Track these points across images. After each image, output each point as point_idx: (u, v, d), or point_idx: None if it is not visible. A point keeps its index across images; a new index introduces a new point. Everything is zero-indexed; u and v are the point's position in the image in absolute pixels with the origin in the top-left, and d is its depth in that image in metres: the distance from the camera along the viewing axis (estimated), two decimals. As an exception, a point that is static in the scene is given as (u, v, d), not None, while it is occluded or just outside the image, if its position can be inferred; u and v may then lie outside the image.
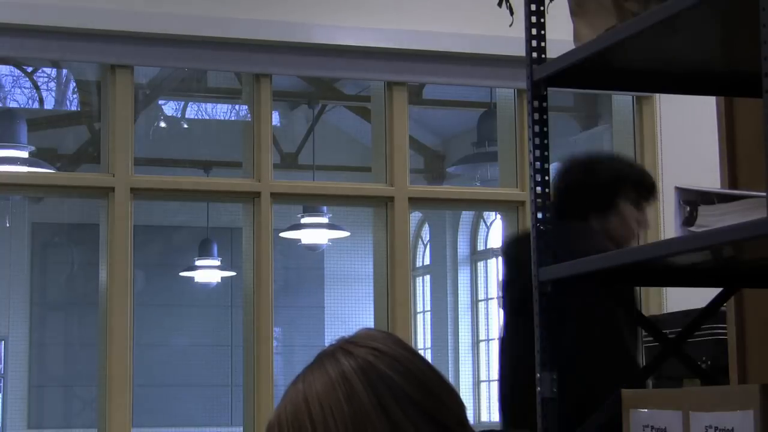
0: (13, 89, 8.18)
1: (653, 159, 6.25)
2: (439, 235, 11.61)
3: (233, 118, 9.88)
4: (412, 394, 1.50)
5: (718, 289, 3.04)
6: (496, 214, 9.70)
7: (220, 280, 10.49)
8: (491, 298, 11.15)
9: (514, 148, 6.22)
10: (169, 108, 9.43)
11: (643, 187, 3.54)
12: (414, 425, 1.48)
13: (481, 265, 11.41)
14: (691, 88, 3.24)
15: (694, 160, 5.78)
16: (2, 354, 10.26)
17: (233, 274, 10.18)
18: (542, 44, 2.97)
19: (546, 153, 2.95)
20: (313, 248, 10.31)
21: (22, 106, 8.33)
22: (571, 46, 2.88)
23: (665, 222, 6.13)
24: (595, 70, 2.86)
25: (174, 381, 10.75)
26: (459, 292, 11.45)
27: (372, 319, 5.98)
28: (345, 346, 1.53)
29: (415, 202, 6.09)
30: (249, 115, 6.00)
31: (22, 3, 5.44)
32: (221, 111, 10.05)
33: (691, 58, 2.80)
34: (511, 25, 3.68)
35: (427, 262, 11.95)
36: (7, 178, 6.04)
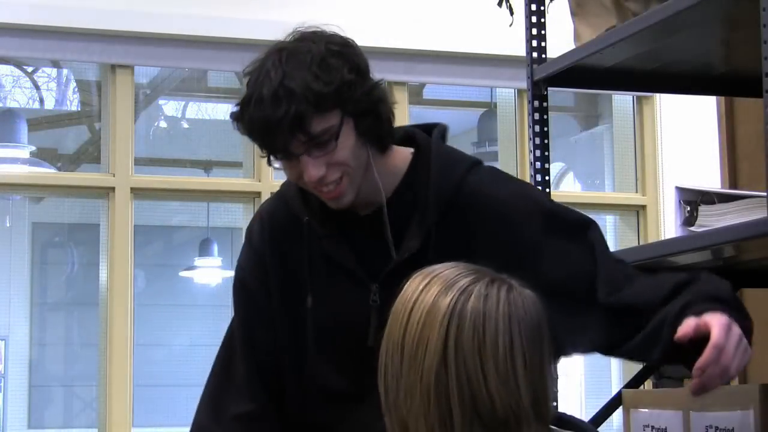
0: (13, 89, 8.18)
1: (653, 159, 6.25)
2: (440, 235, 11.61)
3: (233, 118, 9.87)
4: None
5: (718, 289, 3.03)
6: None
7: (220, 280, 10.49)
8: (491, 298, 11.16)
9: (514, 148, 6.22)
10: (169, 108, 9.42)
11: (257, 142, 2.17)
12: None
13: (481, 265, 11.43)
14: (691, 88, 3.24)
15: (694, 160, 5.78)
16: (2, 354, 10.25)
17: (233, 274, 10.18)
18: (542, 44, 2.97)
19: (546, 153, 2.95)
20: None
21: (22, 106, 8.32)
22: (571, 46, 2.88)
23: (665, 222, 6.14)
24: (595, 70, 2.86)
25: (174, 381, 10.74)
26: (459, 292, 11.46)
27: (372, 319, 5.98)
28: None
29: (415, 202, 6.09)
30: (249, 115, 6.00)
31: (22, 3, 5.44)
32: (221, 111, 10.04)
33: (691, 58, 2.80)
34: (511, 25, 3.68)
35: (427, 262, 11.95)
36: (7, 178, 6.04)
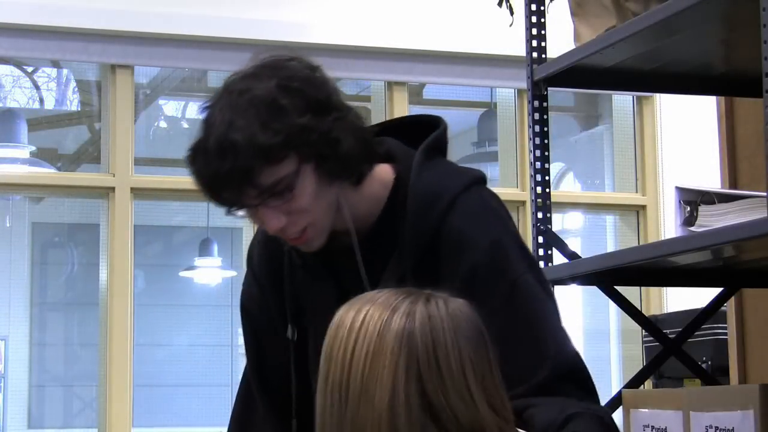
0: (13, 89, 8.17)
1: (653, 159, 6.25)
2: (439, 235, 11.60)
3: (233, 118, 9.84)
4: None
5: (718, 289, 3.04)
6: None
7: (220, 280, 10.49)
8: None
9: (514, 148, 6.23)
10: (169, 108, 9.42)
11: (208, 195, 1.98)
12: None
13: (481, 265, 11.41)
14: (691, 88, 3.24)
15: (694, 160, 5.78)
16: (2, 354, 10.25)
17: (233, 274, 10.18)
18: (542, 44, 2.97)
19: (546, 153, 2.95)
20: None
21: (22, 106, 8.31)
22: (571, 46, 2.88)
23: (665, 222, 6.14)
24: (595, 70, 2.86)
25: (174, 381, 10.73)
26: (459, 292, 11.44)
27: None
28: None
29: (415, 202, 6.08)
30: (249, 115, 5.99)
31: (22, 3, 5.44)
32: (221, 111, 10.02)
33: (691, 58, 2.80)
34: (511, 25, 3.69)
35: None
36: (7, 178, 6.04)
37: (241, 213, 1.99)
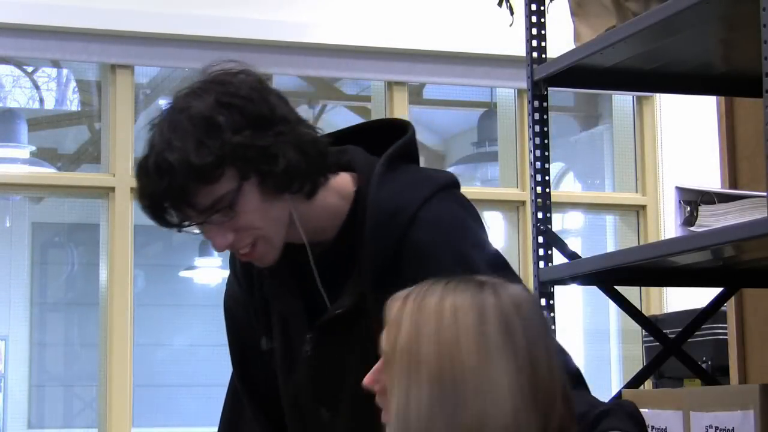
0: (13, 89, 8.17)
1: (653, 159, 6.25)
2: (439, 235, 11.57)
3: (233, 118, 9.82)
4: None
5: (718, 289, 3.04)
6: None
7: (220, 280, 10.49)
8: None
9: (514, 148, 6.23)
10: (169, 108, 9.42)
11: (149, 215, 2.05)
12: None
13: (481, 265, 11.38)
14: (691, 88, 3.24)
15: (694, 160, 5.78)
16: (2, 354, 10.25)
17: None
18: (542, 44, 2.98)
19: (546, 153, 2.95)
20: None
21: (22, 106, 8.31)
22: (571, 46, 2.88)
23: (665, 222, 6.14)
24: (595, 70, 2.86)
25: (174, 381, 10.73)
26: (459, 292, 11.41)
27: (372, 319, 5.97)
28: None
29: (415, 202, 6.07)
30: (249, 115, 5.99)
31: (22, 3, 5.44)
32: (221, 111, 10.01)
33: (691, 58, 2.80)
34: (511, 25, 3.69)
35: (427, 262, 11.91)
36: (7, 178, 6.03)
37: (196, 231, 1.98)
